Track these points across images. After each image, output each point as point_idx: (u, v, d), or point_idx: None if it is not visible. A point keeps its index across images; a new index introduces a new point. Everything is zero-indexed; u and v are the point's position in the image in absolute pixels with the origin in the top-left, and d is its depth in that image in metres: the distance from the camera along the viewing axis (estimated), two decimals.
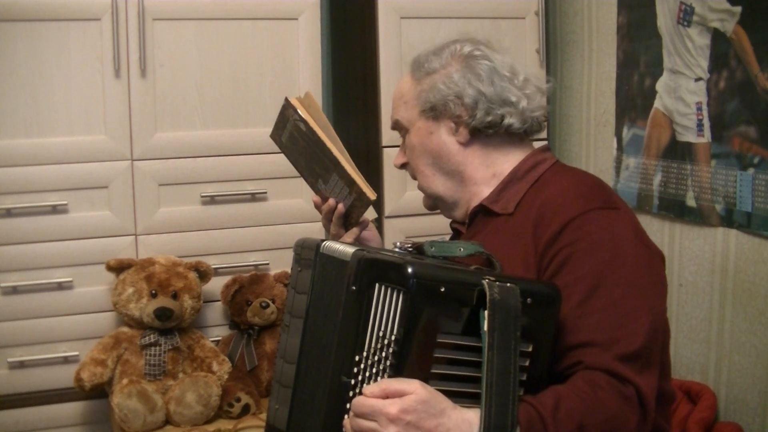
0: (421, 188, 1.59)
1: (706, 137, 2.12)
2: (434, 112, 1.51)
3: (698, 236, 2.17)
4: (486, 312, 1.15)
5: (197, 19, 2.28)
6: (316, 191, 1.69)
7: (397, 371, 1.16)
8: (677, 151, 2.22)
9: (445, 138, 1.52)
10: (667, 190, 2.27)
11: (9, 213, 2.17)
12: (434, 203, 1.60)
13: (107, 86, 2.21)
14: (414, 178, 1.61)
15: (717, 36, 2.06)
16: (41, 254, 2.20)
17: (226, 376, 2.24)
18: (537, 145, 1.57)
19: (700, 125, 2.14)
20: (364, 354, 1.18)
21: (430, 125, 1.53)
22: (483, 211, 1.51)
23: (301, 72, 2.37)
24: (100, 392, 2.21)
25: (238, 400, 2.19)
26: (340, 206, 1.64)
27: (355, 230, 1.65)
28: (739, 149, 2.01)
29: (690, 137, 2.17)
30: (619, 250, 1.32)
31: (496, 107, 1.47)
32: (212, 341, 2.32)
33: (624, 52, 2.43)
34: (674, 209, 2.23)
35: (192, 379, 2.15)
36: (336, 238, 1.66)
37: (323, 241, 1.42)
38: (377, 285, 1.19)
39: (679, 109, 2.20)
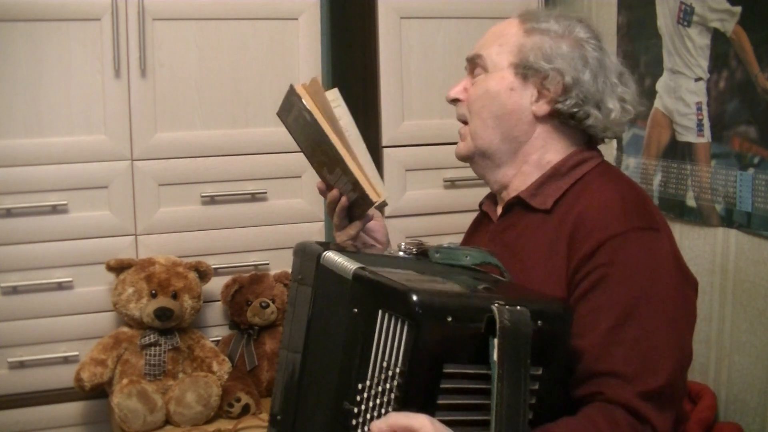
0: (471, 133, 1.46)
1: (706, 137, 2.11)
2: (527, 72, 1.39)
3: (698, 236, 2.17)
4: (496, 341, 1.09)
5: (197, 19, 2.28)
6: (321, 177, 1.61)
7: (402, 404, 1.10)
8: (677, 151, 2.22)
9: (524, 102, 1.40)
10: (667, 190, 2.27)
11: (9, 213, 2.17)
12: (473, 155, 1.47)
13: (107, 86, 2.21)
14: (462, 119, 1.47)
15: (717, 36, 2.06)
16: (41, 254, 2.20)
17: (226, 376, 2.24)
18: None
19: (700, 125, 2.14)
20: (367, 383, 1.13)
21: (515, 81, 1.40)
22: (520, 203, 1.42)
23: (301, 72, 2.37)
24: (100, 392, 2.21)
25: (238, 400, 2.19)
26: (344, 199, 1.56)
27: (358, 224, 1.58)
28: (739, 149, 2.01)
29: (690, 137, 2.17)
30: (656, 277, 1.26)
31: (589, 105, 1.37)
32: (212, 341, 2.32)
33: (624, 52, 2.43)
34: (674, 209, 2.23)
35: (192, 379, 2.15)
36: (339, 228, 1.60)
37: (324, 250, 1.35)
38: (380, 312, 1.13)
39: (679, 109, 2.20)
